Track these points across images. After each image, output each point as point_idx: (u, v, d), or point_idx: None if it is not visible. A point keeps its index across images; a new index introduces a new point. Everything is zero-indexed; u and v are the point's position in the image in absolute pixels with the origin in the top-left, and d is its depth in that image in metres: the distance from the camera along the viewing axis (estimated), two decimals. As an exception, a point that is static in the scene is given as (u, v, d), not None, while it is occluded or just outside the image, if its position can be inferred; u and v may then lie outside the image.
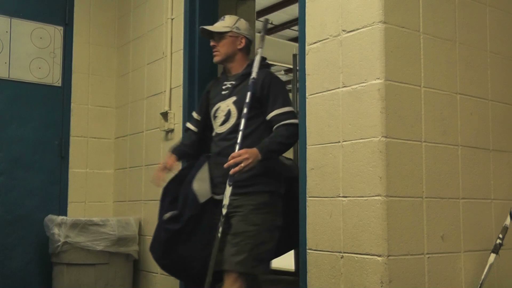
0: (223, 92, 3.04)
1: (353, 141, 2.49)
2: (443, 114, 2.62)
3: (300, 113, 2.77)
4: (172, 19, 3.84)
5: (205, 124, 3.15)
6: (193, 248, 2.97)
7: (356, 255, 2.43)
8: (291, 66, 5.83)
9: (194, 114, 3.25)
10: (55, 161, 4.22)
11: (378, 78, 2.41)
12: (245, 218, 2.81)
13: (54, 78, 4.25)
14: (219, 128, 3.00)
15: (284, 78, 15.03)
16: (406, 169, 2.44)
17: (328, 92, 2.62)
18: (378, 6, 2.44)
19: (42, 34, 4.22)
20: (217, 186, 2.95)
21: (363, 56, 2.47)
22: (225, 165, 2.70)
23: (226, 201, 2.75)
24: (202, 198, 2.95)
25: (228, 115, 2.96)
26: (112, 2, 4.53)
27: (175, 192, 3.03)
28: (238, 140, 2.77)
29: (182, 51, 3.71)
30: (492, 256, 2.59)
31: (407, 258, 2.40)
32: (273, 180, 2.90)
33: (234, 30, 3.04)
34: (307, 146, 2.70)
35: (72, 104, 4.30)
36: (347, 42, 2.56)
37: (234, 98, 2.97)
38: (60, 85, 4.27)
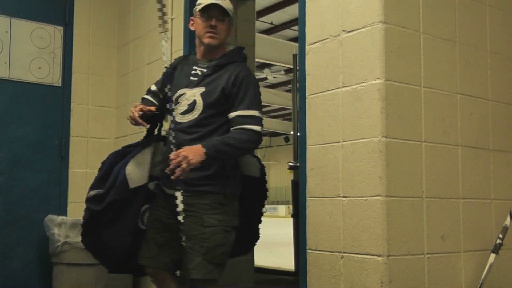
0: (191, 78, 2.75)
1: (353, 141, 2.49)
2: (443, 114, 2.62)
3: (300, 113, 2.77)
4: (172, 19, 3.84)
5: (163, 101, 2.84)
6: (115, 234, 2.74)
7: (356, 255, 2.43)
8: (291, 66, 5.83)
9: (153, 87, 2.93)
10: (55, 161, 4.22)
11: (378, 78, 2.41)
12: (198, 219, 2.60)
13: (54, 78, 4.25)
14: (179, 117, 2.72)
15: (284, 78, 15.05)
16: (406, 169, 2.44)
17: (328, 92, 2.62)
18: (378, 6, 2.44)
19: (42, 34, 4.22)
20: (169, 180, 2.66)
21: (363, 56, 2.48)
22: (167, 171, 2.51)
23: (180, 208, 2.56)
24: (133, 183, 2.70)
25: (192, 105, 2.69)
26: (112, 2, 4.53)
27: (110, 169, 2.77)
28: (172, 140, 2.59)
29: (182, 51, 3.71)
30: (492, 256, 2.59)
31: (407, 258, 2.40)
32: (231, 182, 2.68)
33: (232, 16, 2.78)
34: (307, 146, 2.71)
35: (72, 104, 4.30)
36: (347, 42, 2.56)
37: (202, 89, 2.70)
38: (60, 85, 4.27)
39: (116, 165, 2.77)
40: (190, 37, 3.65)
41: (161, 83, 2.90)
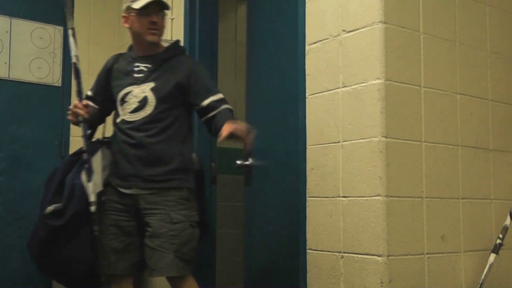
0: (135, 75, 2.73)
1: (353, 141, 2.49)
2: (443, 114, 2.62)
3: (300, 113, 2.77)
4: (172, 19, 3.83)
5: (103, 105, 2.86)
6: (79, 248, 2.65)
7: (356, 255, 2.43)
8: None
9: (89, 93, 2.93)
10: (55, 161, 4.21)
11: (378, 78, 2.41)
12: (165, 216, 2.58)
13: (54, 78, 4.25)
14: (129, 116, 2.68)
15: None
16: (406, 169, 2.44)
17: (328, 92, 2.62)
18: (378, 6, 2.44)
19: (42, 34, 4.22)
20: (127, 180, 2.66)
21: (363, 56, 2.47)
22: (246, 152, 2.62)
23: (92, 198, 2.56)
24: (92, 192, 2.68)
25: (143, 102, 2.66)
26: (112, 2, 4.53)
27: (62, 181, 2.71)
28: (84, 148, 2.68)
29: (182, 51, 3.70)
30: (492, 256, 2.59)
31: (407, 258, 2.40)
32: (190, 176, 2.71)
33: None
34: (307, 146, 2.70)
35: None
36: (347, 42, 2.56)
37: (152, 85, 2.68)
38: (60, 85, 4.27)
39: (66, 176, 2.71)
40: (190, 37, 3.65)
41: (97, 87, 2.90)
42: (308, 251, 2.65)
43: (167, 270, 2.56)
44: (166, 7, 2.78)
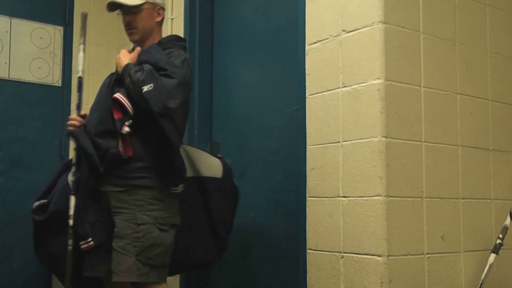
0: None
1: (353, 141, 2.49)
2: (443, 114, 2.62)
3: (300, 113, 2.77)
4: (172, 19, 3.83)
5: None
6: (61, 246, 2.54)
7: (356, 255, 2.43)
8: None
9: None
10: (55, 161, 4.21)
11: (378, 78, 2.41)
12: (131, 217, 2.43)
13: (54, 78, 4.25)
14: None
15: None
16: (406, 169, 2.44)
17: (328, 92, 2.62)
18: (378, 6, 2.44)
19: (42, 34, 4.22)
20: (101, 177, 2.54)
21: (363, 56, 2.47)
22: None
23: (72, 211, 2.45)
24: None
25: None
26: (112, 2, 4.53)
27: (57, 179, 2.65)
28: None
29: (182, 51, 3.70)
30: (492, 256, 2.58)
31: (407, 258, 2.40)
32: (165, 175, 2.50)
33: (150, 0, 2.69)
34: (307, 146, 2.70)
35: (72, 104, 4.28)
36: (347, 42, 2.56)
37: None
38: (60, 85, 4.27)
39: (63, 174, 2.65)
40: (190, 37, 3.65)
41: None
42: (308, 251, 2.65)
43: (126, 275, 2.40)
44: (124, 5, 2.70)
